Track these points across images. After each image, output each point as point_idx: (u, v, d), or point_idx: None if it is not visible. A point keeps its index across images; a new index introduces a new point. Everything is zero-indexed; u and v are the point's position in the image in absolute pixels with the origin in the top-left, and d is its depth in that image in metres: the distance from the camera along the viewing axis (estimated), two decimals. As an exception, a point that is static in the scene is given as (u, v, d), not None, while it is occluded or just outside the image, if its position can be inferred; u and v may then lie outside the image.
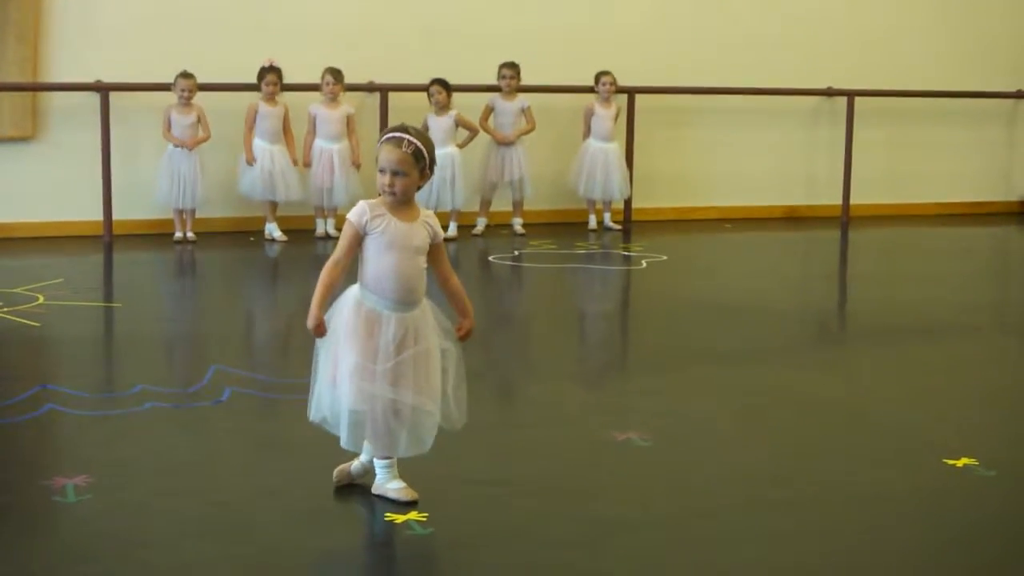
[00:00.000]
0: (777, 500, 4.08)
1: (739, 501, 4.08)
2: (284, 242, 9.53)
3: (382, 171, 3.90)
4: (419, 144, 3.93)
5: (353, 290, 3.95)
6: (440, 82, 9.79)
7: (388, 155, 3.89)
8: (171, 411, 4.99)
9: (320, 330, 3.89)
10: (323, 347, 3.95)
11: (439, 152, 9.57)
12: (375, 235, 3.89)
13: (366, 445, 4.03)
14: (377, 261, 3.89)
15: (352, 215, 3.92)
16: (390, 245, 3.88)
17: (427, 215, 4.00)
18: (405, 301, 3.90)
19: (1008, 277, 9.46)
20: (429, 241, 3.97)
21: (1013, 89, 12.19)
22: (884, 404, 5.31)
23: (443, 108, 9.81)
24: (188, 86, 9.29)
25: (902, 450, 4.64)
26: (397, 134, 3.94)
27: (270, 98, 9.51)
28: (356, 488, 4.08)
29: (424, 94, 9.83)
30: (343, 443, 3.98)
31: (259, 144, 9.52)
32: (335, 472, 4.11)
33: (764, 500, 4.09)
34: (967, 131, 12.21)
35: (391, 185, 3.89)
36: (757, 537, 3.79)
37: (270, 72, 9.47)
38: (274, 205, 9.66)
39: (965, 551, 3.74)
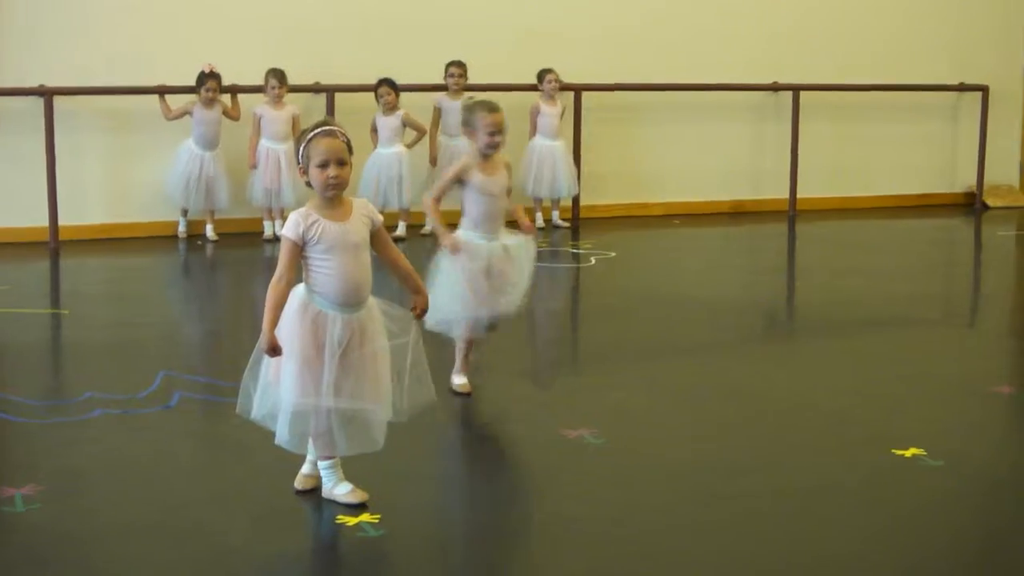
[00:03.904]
0: (729, 493, 4.11)
1: (691, 495, 4.11)
2: (215, 242, 9.50)
3: (324, 165, 3.84)
4: (346, 134, 3.94)
5: (299, 290, 3.92)
6: (388, 82, 9.77)
7: (330, 146, 3.86)
8: (120, 417, 4.96)
9: (276, 351, 3.83)
10: None
11: (388, 151, 9.79)
12: (314, 242, 3.86)
13: (310, 446, 4.02)
14: (320, 266, 3.87)
15: (287, 230, 3.88)
16: (331, 248, 3.86)
17: (360, 204, 3.97)
18: (351, 302, 3.89)
19: (954, 269, 9.55)
20: (369, 230, 3.95)
21: (955, 82, 12.30)
22: (833, 396, 5.35)
23: (391, 108, 9.80)
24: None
25: (851, 441, 4.69)
26: (328, 127, 3.91)
27: (208, 104, 9.43)
28: (312, 492, 4.06)
29: (370, 94, 9.80)
30: (278, 440, 3.96)
31: (193, 149, 9.46)
32: (296, 479, 4.09)
33: (716, 493, 4.11)
34: (911, 125, 12.32)
35: (337, 176, 3.86)
36: (709, 530, 3.81)
37: (209, 78, 9.38)
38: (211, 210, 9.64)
39: (913, 539, 3.78)
